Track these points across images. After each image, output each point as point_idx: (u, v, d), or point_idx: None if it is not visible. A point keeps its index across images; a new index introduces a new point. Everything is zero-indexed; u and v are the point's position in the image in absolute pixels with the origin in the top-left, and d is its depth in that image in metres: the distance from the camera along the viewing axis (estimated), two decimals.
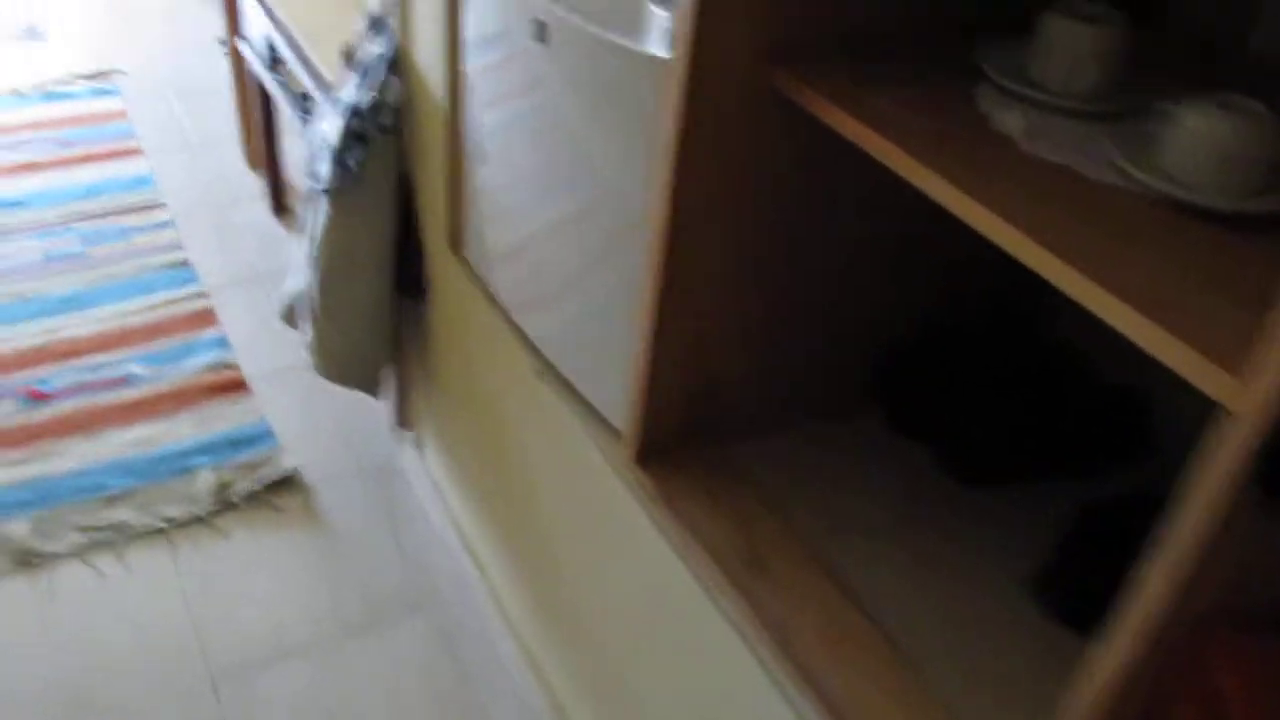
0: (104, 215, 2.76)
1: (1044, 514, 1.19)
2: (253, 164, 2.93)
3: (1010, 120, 0.88)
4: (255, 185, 2.91)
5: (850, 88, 0.93)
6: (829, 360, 1.28)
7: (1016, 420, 1.26)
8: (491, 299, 1.48)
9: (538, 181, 1.27)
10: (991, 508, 1.22)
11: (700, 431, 1.23)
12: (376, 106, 1.57)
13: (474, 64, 1.35)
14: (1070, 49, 0.91)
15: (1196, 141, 0.80)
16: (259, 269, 2.63)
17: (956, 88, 0.95)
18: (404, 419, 2.04)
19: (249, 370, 2.30)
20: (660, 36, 0.98)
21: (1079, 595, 1.07)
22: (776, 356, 1.23)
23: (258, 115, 2.71)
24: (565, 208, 1.23)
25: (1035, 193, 0.81)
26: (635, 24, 1.01)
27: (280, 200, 2.82)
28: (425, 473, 2.00)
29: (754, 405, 1.26)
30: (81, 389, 2.20)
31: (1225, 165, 0.79)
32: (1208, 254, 0.76)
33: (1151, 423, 1.29)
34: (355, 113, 1.58)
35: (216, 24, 2.73)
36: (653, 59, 0.99)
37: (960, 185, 0.81)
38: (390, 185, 1.65)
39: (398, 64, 1.58)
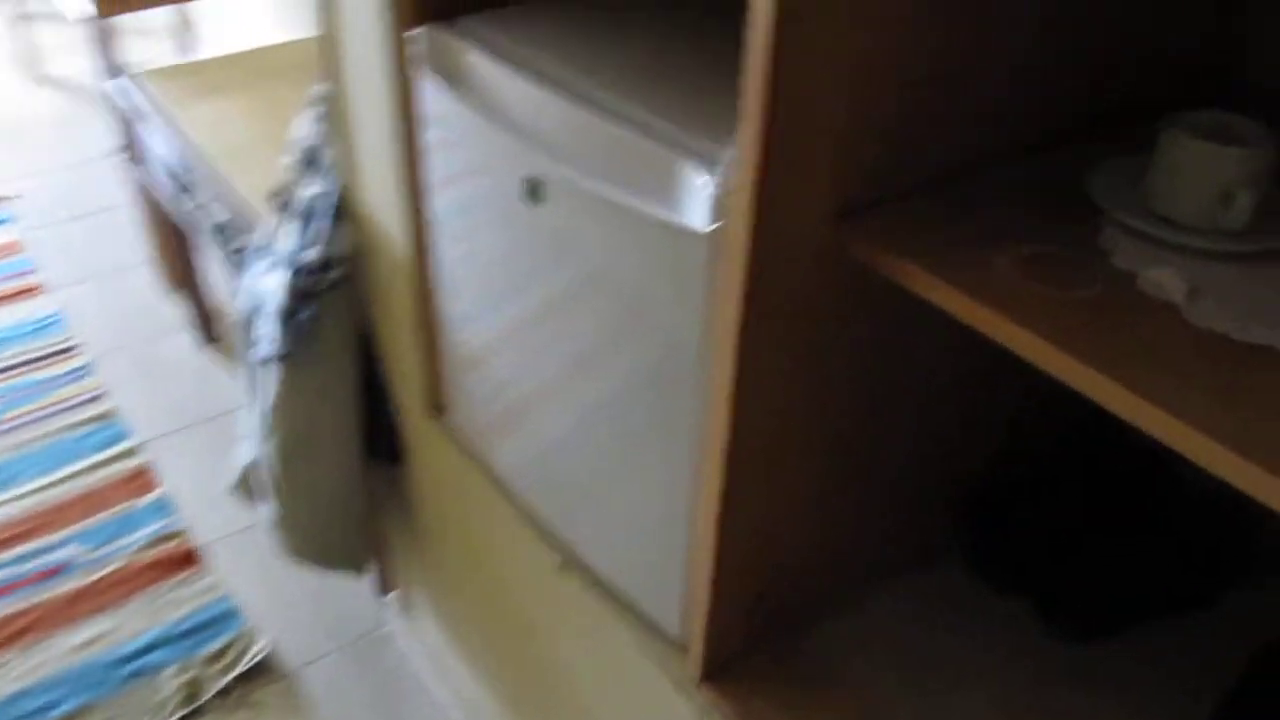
0: (13, 370, 2.49)
1: (1181, 659, 1.03)
2: (171, 287, 2.68)
3: (1166, 280, 0.71)
4: (177, 313, 2.65)
5: (946, 249, 0.75)
6: (905, 517, 1.10)
7: (1118, 555, 1.10)
8: (489, 473, 1.27)
9: (539, 349, 1.08)
10: (1119, 663, 1.05)
11: (770, 623, 1.04)
12: (326, 262, 1.36)
13: (445, 210, 1.15)
14: (1212, 175, 0.75)
15: None
16: (195, 412, 2.38)
17: (1076, 231, 0.78)
18: (388, 581, 1.82)
19: (201, 536, 2.05)
20: (701, 205, 0.80)
21: None
22: (849, 525, 1.05)
23: (169, 233, 2.46)
24: (582, 386, 1.03)
25: (1226, 388, 0.64)
26: (667, 189, 0.82)
27: (209, 328, 2.57)
28: (420, 641, 1.77)
29: (828, 582, 1.08)
30: (12, 588, 1.94)
31: None
32: None
33: (1254, 538, 1.14)
34: (301, 269, 1.37)
35: (113, 135, 2.47)
36: (693, 233, 0.81)
37: (1138, 389, 0.63)
38: (349, 345, 1.43)
39: (343, 208, 1.37)
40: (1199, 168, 0.75)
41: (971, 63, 0.79)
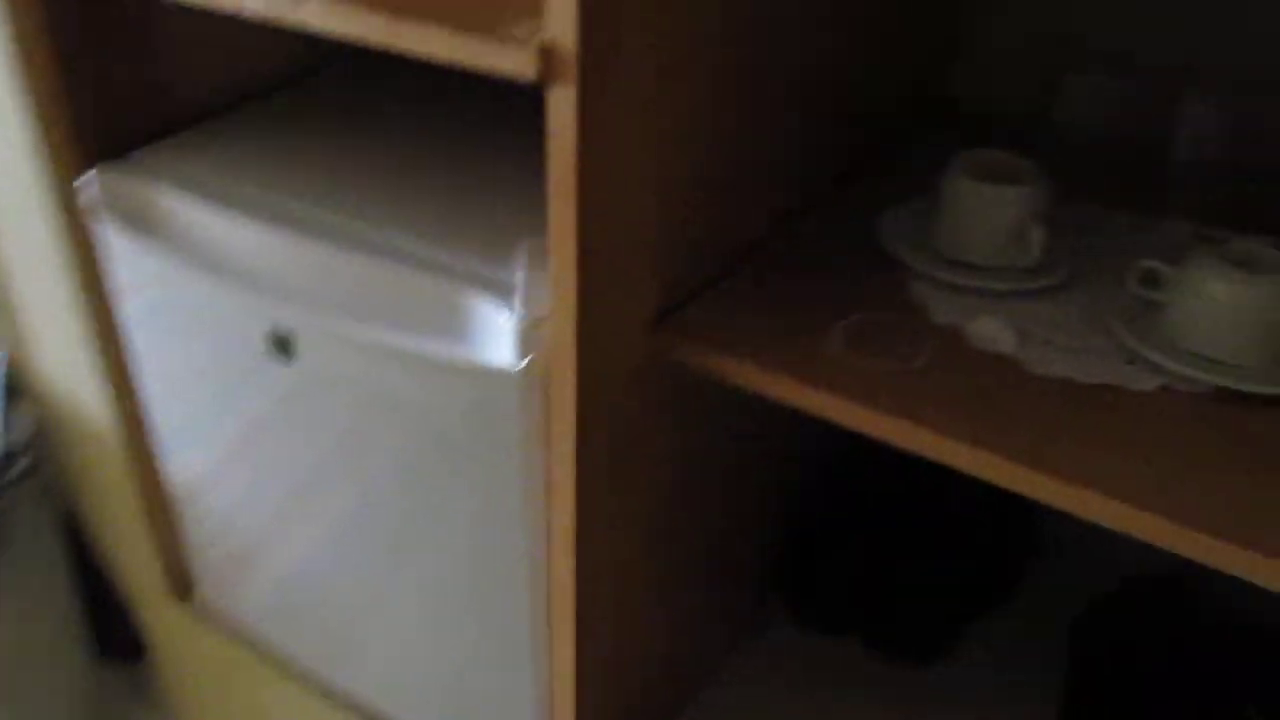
0: None
1: (1018, 651, 1.08)
2: None
3: (996, 332, 0.70)
4: None
5: (773, 339, 0.71)
6: (741, 589, 1.07)
7: (923, 574, 1.11)
8: (263, 654, 1.10)
9: (310, 513, 0.94)
10: (968, 674, 1.07)
11: None
12: (5, 455, 1.13)
13: (162, 374, 0.97)
14: (1003, 216, 0.75)
15: (1237, 317, 0.66)
16: None
17: (885, 287, 0.76)
18: None
19: None
20: (503, 341, 0.70)
21: None
22: (695, 614, 1.00)
23: None
24: (371, 543, 0.91)
25: (1075, 427, 0.64)
26: (457, 327, 0.72)
27: None
28: None
29: (684, 674, 1.02)
30: None
31: (1272, 337, 0.67)
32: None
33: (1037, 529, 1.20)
34: None
35: None
36: (498, 372, 0.71)
37: (992, 447, 0.62)
38: (53, 542, 1.20)
39: (14, 386, 1.14)
40: (989, 211, 0.75)
41: (763, 135, 0.76)
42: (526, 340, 0.69)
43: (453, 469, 0.79)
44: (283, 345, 0.82)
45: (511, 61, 0.57)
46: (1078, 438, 0.63)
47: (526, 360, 0.69)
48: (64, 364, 1.06)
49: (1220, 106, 0.88)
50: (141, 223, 0.87)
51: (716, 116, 0.70)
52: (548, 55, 0.56)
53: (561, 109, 0.57)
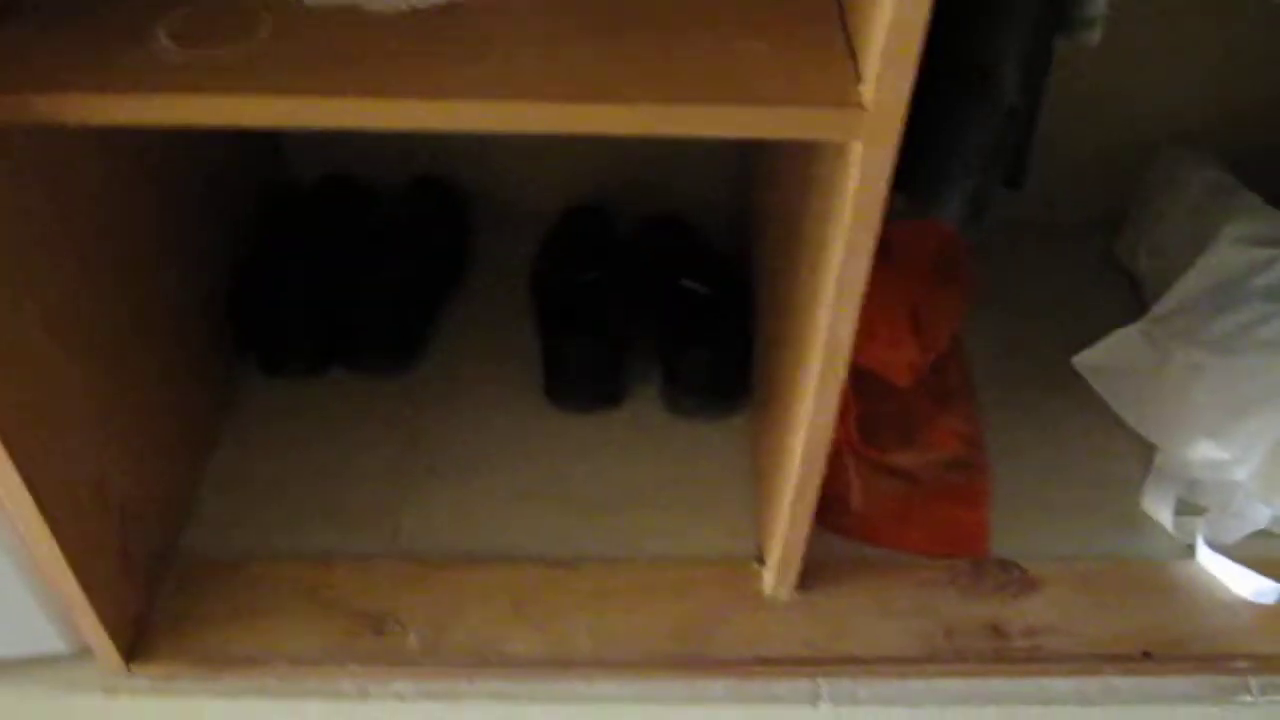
0: None
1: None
2: None
3: None
4: None
5: (83, 59, 0.61)
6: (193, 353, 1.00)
7: (372, 282, 1.10)
8: None
9: None
10: (442, 369, 1.11)
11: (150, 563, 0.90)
12: None
13: None
14: None
15: None
16: None
17: None
18: None
19: None
20: None
21: None
22: (164, 406, 0.92)
23: None
24: None
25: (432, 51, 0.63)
26: None
27: None
28: None
29: (171, 469, 0.95)
30: None
31: None
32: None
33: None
34: None
35: None
36: None
37: (373, 93, 0.60)
38: None
39: None
40: None
41: None
42: None
43: None
44: None
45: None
46: (440, 60, 0.62)
47: None
48: None
49: None
50: None
51: None
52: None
53: None
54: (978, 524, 0.97)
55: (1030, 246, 1.23)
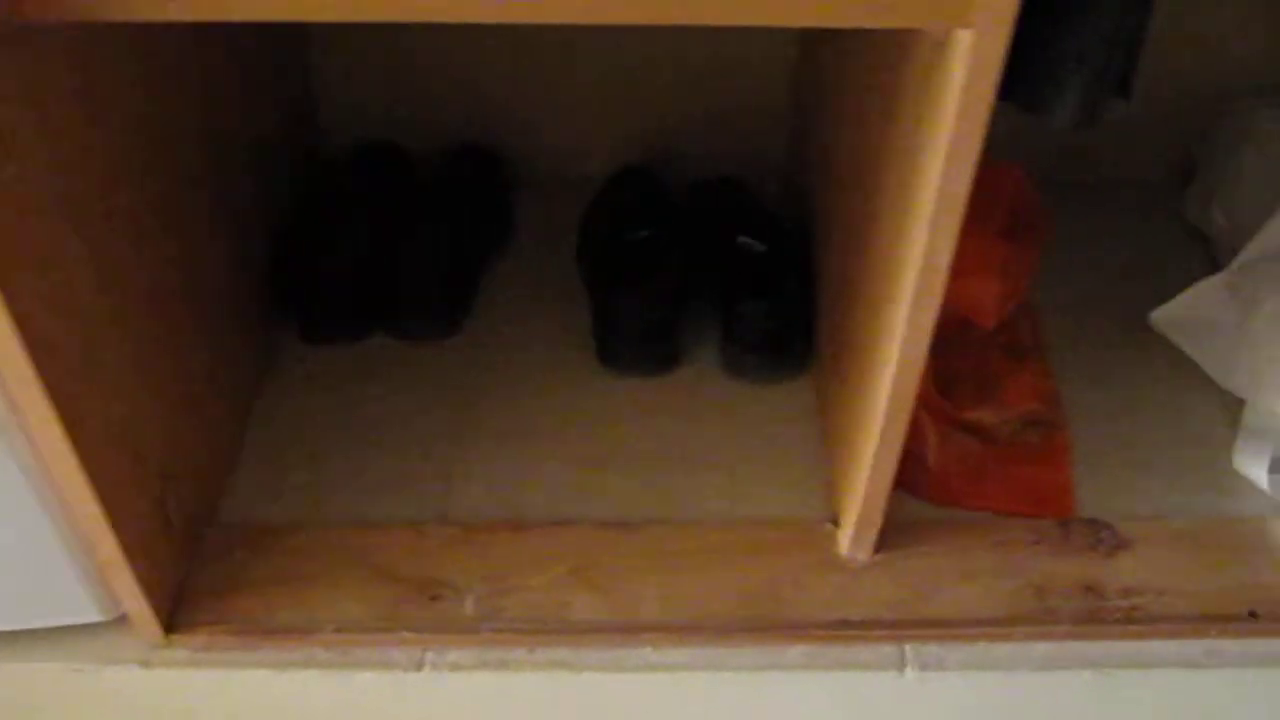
0: None
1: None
2: None
3: None
4: None
5: None
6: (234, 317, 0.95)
7: (416, 247, 1.06)
8: None
9: None
10: (489, 337, 1.07)
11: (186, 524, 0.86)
12: None
13: None
14: None
15: None
16: None
17: None
18: None
19: None
20: None
21: None
22: (203, 367, 0.87)
23: None
24: None
25: None
26: None
27: None
28: None
29: (215, 435, 0.91)
30: None
31: None
32: None
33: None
34: None
35: None
36: None
37: None
38: None
39: None
40: None
41: None
42: None
43: None
44: None
45: None
46: None
47: None
48: None
49: None
50: None
51: None
52: None
53: None
54: (1060, 483, 0.92)
55: (1091, 204, 1.18)
